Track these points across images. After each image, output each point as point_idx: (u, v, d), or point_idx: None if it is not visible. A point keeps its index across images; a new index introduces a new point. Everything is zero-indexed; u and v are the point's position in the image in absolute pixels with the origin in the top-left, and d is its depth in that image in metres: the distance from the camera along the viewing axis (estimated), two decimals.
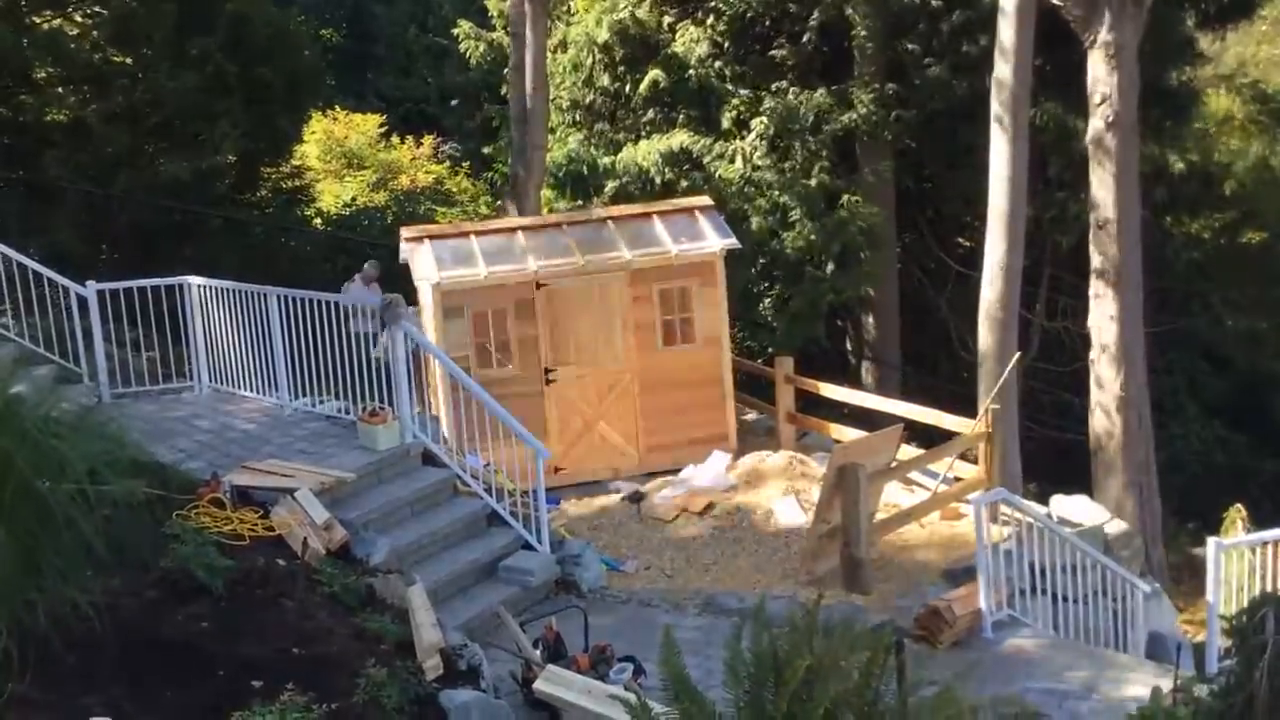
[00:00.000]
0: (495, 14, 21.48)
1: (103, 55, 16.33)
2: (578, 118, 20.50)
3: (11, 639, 4.88)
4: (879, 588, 9.86)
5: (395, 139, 24.06)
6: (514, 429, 9.44)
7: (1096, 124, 16.05)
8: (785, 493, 11.37)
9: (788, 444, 12.98)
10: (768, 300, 18.85)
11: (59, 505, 5.58)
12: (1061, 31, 16.30)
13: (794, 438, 13.16)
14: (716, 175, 18.75)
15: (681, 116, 20.34)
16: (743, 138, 19.40)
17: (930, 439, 12.02)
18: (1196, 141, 20.33)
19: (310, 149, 20.93)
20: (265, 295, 10.08)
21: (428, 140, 25.25)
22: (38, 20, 15.92)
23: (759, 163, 19.14)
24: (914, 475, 11.73)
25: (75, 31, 16.02)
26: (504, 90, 19.28)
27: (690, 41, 19.92)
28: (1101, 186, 16.14)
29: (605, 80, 19.87)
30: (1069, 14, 15.96)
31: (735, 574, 10.13)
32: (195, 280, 10.90)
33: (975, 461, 11.28)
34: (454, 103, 26.31)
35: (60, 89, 15.89)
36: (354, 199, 20.60)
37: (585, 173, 20.58)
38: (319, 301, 9.79)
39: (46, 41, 15.77)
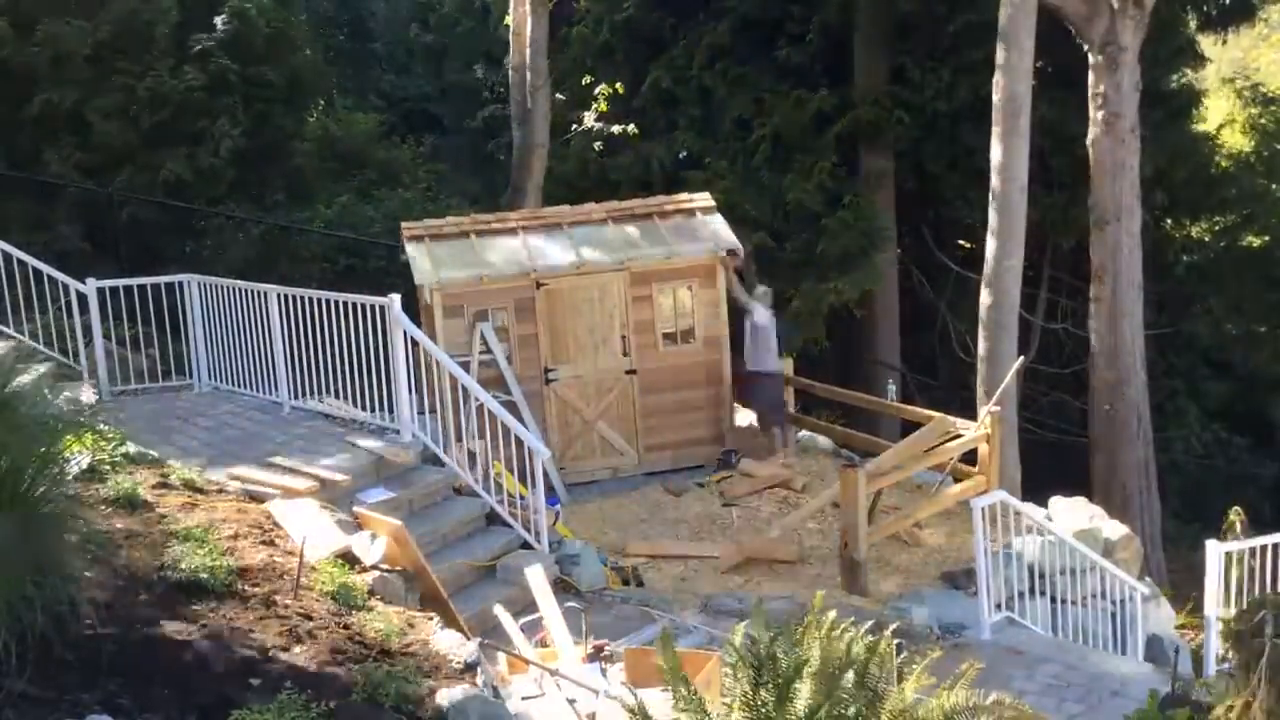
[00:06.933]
0: (496, 13, 21.48)
1: (104, 53, 16.31)
2: (579, 117, 20.51)
3: (10, 636, 4.88)
4: (877, 589, 9.87)
5: (395, 137, 24.04)
6: (514, 428, 9.44)
7: (1097, 126, 16.06)
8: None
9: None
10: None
11: (58, 502, 5.57)
12: (1063, 33, 16.31)
13: (793, 438, 13.15)
14: (718, 175, 18.75)
15: (683, 117, 20.35)
16: (745, 139, 19.40)
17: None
18: (1197, 144, 20.31)
19: (310, 147, 20.90)
20: (265, 293, 10.08)
21: (428, 139, 25.22)
22: (39, 17, 15.90)
23: (760, 163, 19.14)
24: (913, 477, 11.73)
25: (76, 29, 16.00)
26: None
27: (692, 42, 19.93)
28: (1101, 188, 16.16)
29: (607, 80, 19.88)
30: (1070, 16, 15.97)
31: (737, 575, 10.13)
32: (195, 278, 10.90)
33: (975, 463, 11.28)
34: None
35: (61, 86, 15.87)
36: (354, 197, 20.58)
37: (586, 172, 20.59)
38: (319, 300, 9.79)
39: (47, 39, 15.76)
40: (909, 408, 12.48)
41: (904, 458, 10.96)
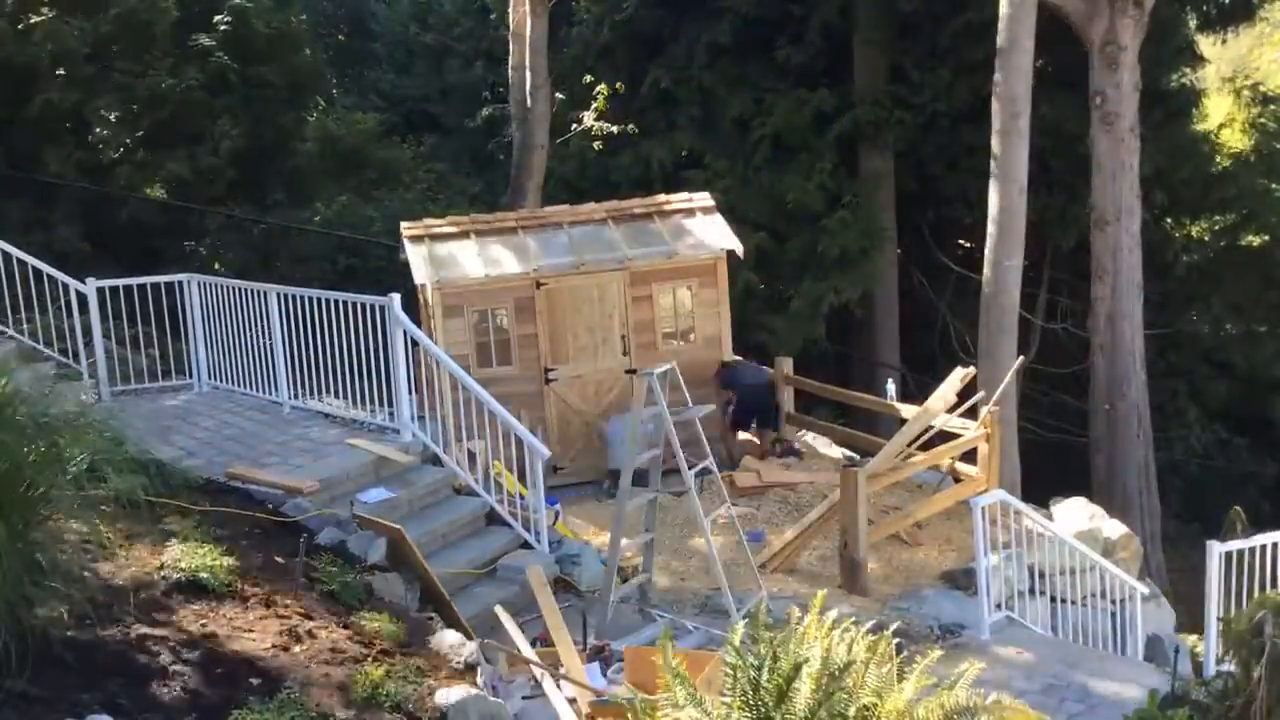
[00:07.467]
0: (496, 13, 21.48)
1: (104, 52, 16.32)
2: (579, 117, 20.54)
3: (10, 636, 4.88)
4: (877, 589, 9.86)
5: (395, 137, 24.04)
6: (514, 429, 9.44)
7: (1097, 126, 16.07)
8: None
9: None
10: (768, 301, 18.86)
11: (58, 502, 5.58)
12: (1063, 32, 16.31)
13: (792, 439, 13.15)
14: (718, 175, 18.75)
15: (683, 117, 20.35)
16: (744, 139, 19.41)
17: (929, 440, 12.02)
18: (1197, 144, 20.31)
19: (310, 147, 20.96)
20: (265, 293, 10.08)
21: (428, 139, 25.22)
22: (39, 16, 15.91)
23: (760, 163, 19.14)
24: (913, 477, 11.73)
25: (76, 28, 16.01)
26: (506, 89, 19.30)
27: (692, 42, 19.93)
28: (1102, 188, 16.16)
29: (607, 80, 19.90)
30: (1070, 16, 15.98)
31: (739, 579, 10.11)
32: (195, 278, 10.89)
33: (975, 463, 11.28)
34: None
35: (61, 86, 15.88)
36: (354, 197, 20.61)
37: (586, 172, 20.59)
38: (319, 300, 9.78)
39: (47, 38, 15.77)
40: (909, 407, 12.46)
41: (896, 451, 10.96)
